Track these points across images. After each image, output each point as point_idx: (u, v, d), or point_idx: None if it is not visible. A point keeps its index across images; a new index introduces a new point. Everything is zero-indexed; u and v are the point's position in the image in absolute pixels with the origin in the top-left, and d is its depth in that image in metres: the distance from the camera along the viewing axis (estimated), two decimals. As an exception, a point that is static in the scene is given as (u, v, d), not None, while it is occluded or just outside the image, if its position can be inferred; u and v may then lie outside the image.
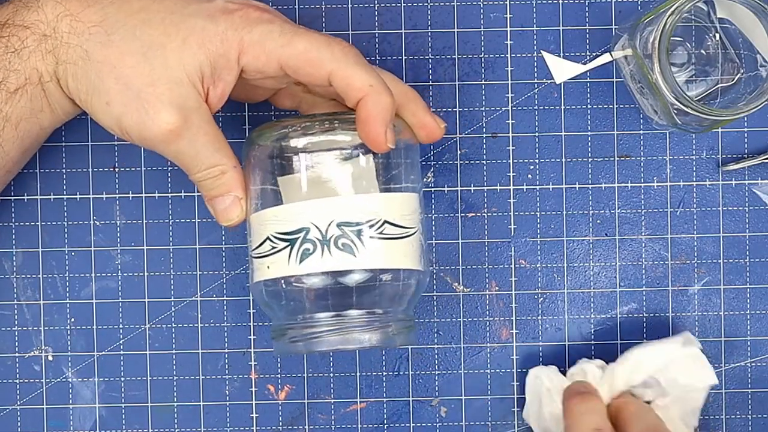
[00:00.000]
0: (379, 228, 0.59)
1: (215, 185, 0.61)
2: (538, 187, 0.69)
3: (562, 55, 0.69)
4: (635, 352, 0.65)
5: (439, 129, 0.63)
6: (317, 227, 0.58)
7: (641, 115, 0.69)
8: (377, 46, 0.69)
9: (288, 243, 0.58)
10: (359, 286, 0.59)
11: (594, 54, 0.69)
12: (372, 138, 0.59)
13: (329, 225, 0.58)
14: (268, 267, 0.59)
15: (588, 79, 0.69)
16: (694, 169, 0.69)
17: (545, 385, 0.66)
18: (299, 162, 0.59)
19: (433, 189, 0.69)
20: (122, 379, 0.69)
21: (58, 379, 0.69)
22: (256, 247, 0.60)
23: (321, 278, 0.59)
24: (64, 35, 0.59)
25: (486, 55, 0.69)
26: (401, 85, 0.63)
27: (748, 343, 0.69)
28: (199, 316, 0.69)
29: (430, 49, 0.69)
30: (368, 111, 0.58)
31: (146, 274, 0.69)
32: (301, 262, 0.58)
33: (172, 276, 0.69)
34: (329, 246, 0.58)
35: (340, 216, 0.58)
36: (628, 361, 0.65)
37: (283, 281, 0.59)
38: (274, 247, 0.59)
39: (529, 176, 0.69)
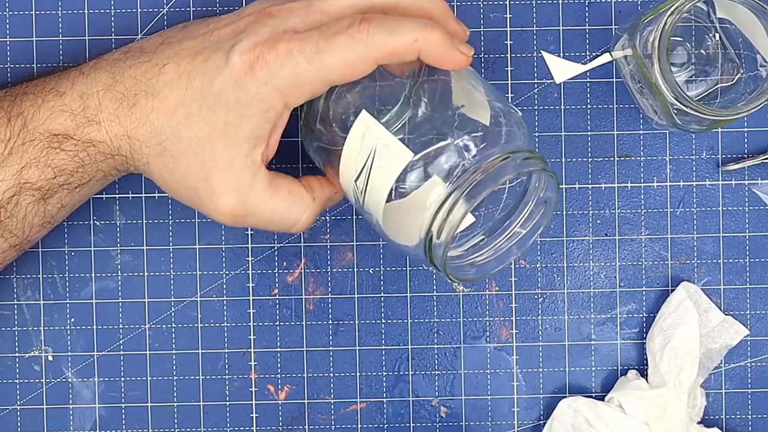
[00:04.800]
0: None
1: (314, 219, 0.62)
2: (538, 187, 0.69)
3: (561, 55, 0.69)
4: (674, 345, 0.66)
5: (465, 35, 0.62)
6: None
7: (641, 115, 0.69)
8: (377, 46, 0.69)
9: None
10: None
11: (594, 54, 0.69)
12: (454, 66, 0.58)
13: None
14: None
15: (588, 79, 0.69)
16: (694, 169, 0.69)
17: (584, 415, 0.66)
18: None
19: (433, 189, 0.69)
20: (122, 379, 0.69)
21: (58, 379, 0.69)
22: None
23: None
24: (127, 154, 0.60)
25: (486, 55, 0.69)
26: (428, 3, 0.61)
27: (748, 343, 0.69)
28: (199, 316, 0.69)
29: (430, 49, 0.69)
30: (434, 58, 0.57)
31: (146, 274, 0.69)
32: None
33: (172, 276, 0.69)
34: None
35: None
36: (674, 356, 0.66)
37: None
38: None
39: (529, 176, 0.69)
